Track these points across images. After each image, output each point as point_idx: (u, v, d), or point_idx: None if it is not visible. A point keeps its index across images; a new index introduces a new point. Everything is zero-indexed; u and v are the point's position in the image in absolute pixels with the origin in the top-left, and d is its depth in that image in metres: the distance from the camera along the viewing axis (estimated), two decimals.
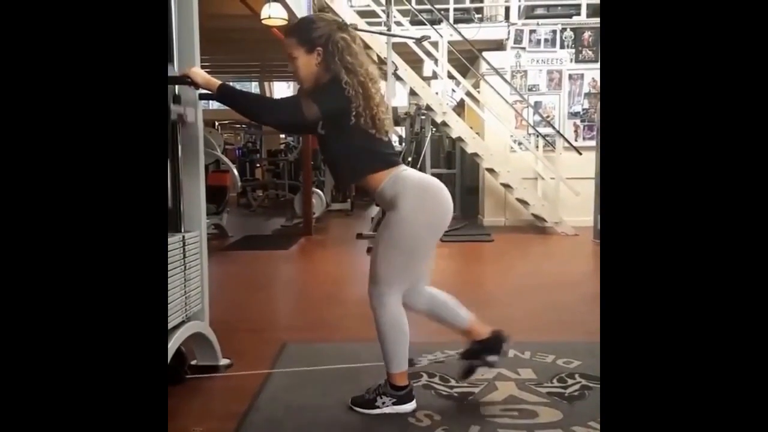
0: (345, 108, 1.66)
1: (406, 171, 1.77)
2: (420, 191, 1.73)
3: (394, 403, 1.78)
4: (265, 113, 1.75)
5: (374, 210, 6.76)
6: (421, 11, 6.36)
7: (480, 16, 6.95)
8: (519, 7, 6.58)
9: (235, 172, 6.05)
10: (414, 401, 1.80)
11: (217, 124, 10.93)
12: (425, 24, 6.19)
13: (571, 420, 1.72)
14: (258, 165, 10.83)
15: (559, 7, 6.56)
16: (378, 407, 1.77)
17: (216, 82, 1.73)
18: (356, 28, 5.68)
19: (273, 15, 4.45)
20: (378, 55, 5.74)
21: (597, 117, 5.52)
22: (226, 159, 6.03)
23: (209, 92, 1.76)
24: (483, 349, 1.88)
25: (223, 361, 2.19)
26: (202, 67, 1.95)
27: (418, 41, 5.67)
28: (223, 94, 1.72)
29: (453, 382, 2.01)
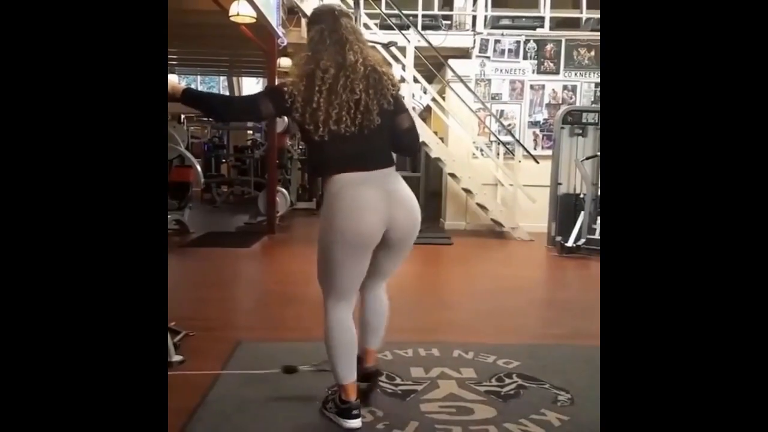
0: (286, 108, 1.67)
1: (345, 179, 1.64)
2: (332, 205, 1.65)
3: (336, 413, 1.76)
4: (226, 112, 1.86)
5: None
6: (390, 16, 6.46)
7: (448, 22, 7.09)
8: (485, 17, 6.75)
9: (198, 168, 6.02)
10: (358, 421, 1.72)
11: (183, 116, 10.77)
12: (394, 29, 6.30)
13: (504, 417, 1.84)
14: (224, 160, 10.73)
15: (524, 19, 6.77)
16: (326, 410, 1.80)
17: (180, 87, 1.80)
18: None
19: (241, 12, 4.50)
20: None
21: (555, 127, 5.71)
22: (189, 155, 5.99)
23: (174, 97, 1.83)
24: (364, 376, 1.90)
25: (176, 358, 2.23)
26: (170, 60, 2.00)
27: (386, 46, 5.77)
28: (187, 97, 1.78)
29: (398, 380, 2.11)
